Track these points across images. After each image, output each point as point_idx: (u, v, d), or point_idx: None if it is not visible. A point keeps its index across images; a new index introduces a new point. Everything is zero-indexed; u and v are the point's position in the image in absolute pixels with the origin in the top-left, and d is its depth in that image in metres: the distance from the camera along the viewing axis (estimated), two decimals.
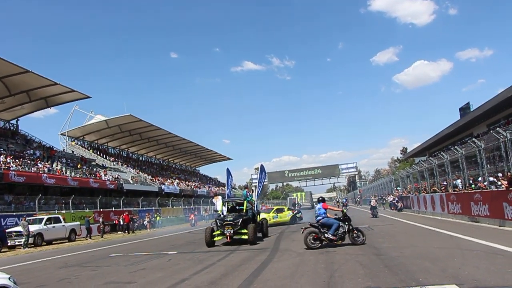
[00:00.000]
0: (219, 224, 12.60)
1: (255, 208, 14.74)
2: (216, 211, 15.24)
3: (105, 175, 36.03)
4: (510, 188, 10.90)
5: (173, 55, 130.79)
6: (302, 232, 9.56)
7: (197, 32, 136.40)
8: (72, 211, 26.26)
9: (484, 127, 29.32)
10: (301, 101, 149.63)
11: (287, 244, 11.31)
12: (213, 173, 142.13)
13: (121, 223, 28.16)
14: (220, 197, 17.02)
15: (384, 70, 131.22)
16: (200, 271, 7.53)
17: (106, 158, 44.29)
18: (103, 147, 47.49)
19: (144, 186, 41.04)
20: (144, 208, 34.48)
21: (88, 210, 28.01)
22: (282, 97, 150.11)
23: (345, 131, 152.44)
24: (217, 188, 60.23)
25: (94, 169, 37.02)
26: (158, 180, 45.96)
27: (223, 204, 14.45)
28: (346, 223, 9.56)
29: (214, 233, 12.49)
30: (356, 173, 79.02)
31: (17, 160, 27.05)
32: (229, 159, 70.53)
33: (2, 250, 18.01)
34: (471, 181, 15.23)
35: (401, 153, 78.87)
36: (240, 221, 12.33)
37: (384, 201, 33.15)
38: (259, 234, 13.50)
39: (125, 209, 31.32)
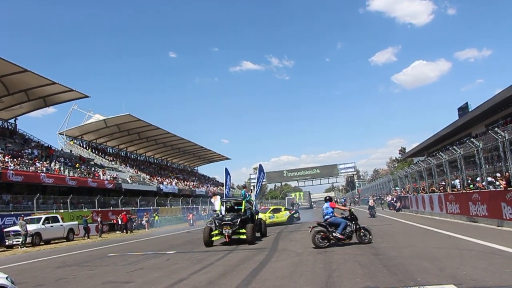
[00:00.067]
0: (217, 224, 12.58)
1: (254, 208, 14.74)
2: (215, 210, 15.19)
3: (103, 175, 35.95)
4: (508, 188, 10.91)
5: (172, 55, 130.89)
6: (310, 231, 9.53)
7: (196, 32, 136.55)
8: (70, 210, 26.23)
9: (482, 127, 29.41)
10: (299, 101, 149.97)
11: (285, 244, 11.33)
12: (212, 173, 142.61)
13: (119, 222, 28.17)
14: (218, 197, 16.94)
15: (383, 70, 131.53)
16: (198, 271, 7.52)
17: (104, 157, 44.17)
18: (102, 147, 47.34)
19: (143, 186, 40.96)
20: (142, 208, 34.40)
21: (86, 209, 27.92)
22: (280, 97, 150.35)
23: (344, 131, 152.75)
24: (216, 188, 60.17)
25: (93, 169, 36.94)
26: (156, 179, 45.91)
27: (222, 204, 14.44)
28: (353, 222, 9.56)
29: (212, 233, 12.49)
30: (355, 173, 79.18)
31: (15, 159, 26.98)
32: (227, 158, 70.53)
33: (0, 250, 17.98)
34: (469, 181, 15.25)
35: (399, 153, 78.93)
36: (238, 221, 12.34)
37: (383, 201, 33.15)
38: (258, 234, 13.50)
39: (123, 208, 31.26)
